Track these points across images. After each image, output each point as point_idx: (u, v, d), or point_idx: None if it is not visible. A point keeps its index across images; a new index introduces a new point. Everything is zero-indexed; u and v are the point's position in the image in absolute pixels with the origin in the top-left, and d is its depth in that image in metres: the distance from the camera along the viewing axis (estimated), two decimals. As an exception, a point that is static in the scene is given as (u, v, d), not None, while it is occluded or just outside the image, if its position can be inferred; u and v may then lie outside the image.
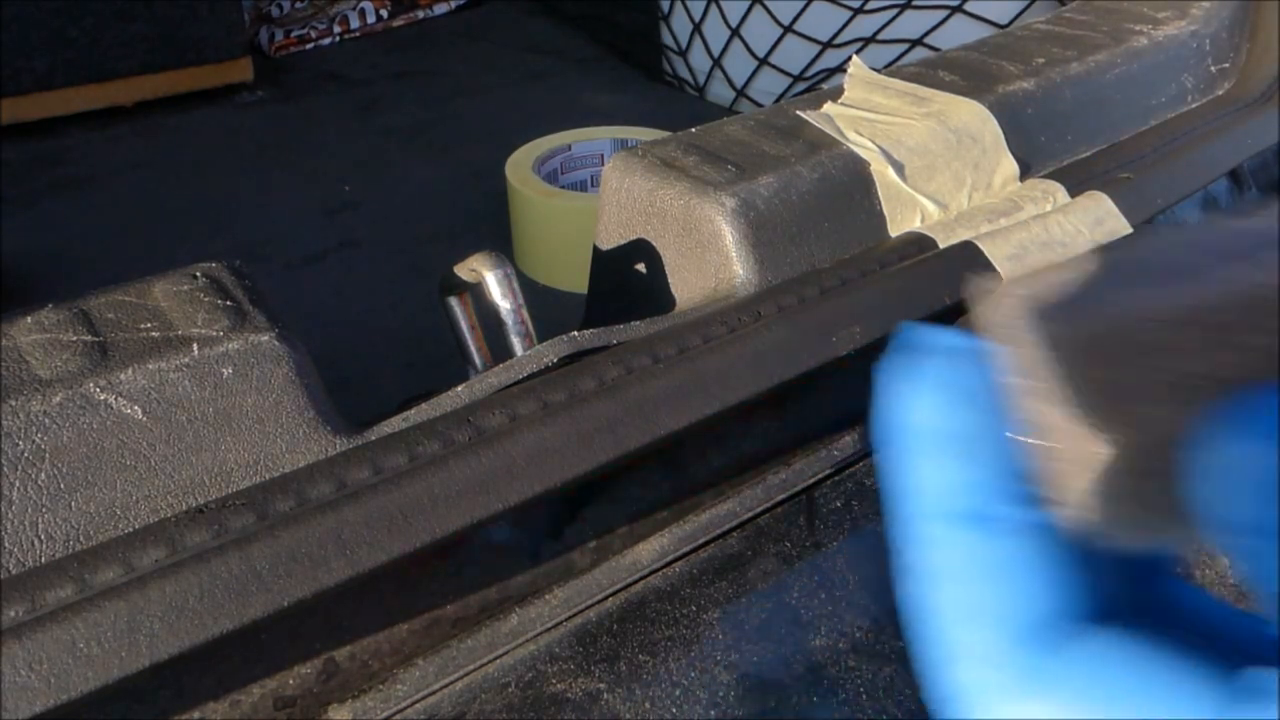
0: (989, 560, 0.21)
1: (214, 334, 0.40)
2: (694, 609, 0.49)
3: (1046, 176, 0.64)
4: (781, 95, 1.63)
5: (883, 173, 0.57)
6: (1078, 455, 0.21)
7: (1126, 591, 0.22)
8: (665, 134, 0.61)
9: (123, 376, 0.38)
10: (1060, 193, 0.61)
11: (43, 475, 0.36)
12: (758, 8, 1.61)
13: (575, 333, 0.47)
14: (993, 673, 0.20)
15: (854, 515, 0.54)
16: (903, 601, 0.22)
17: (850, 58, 0.68)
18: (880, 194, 0.57)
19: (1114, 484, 0.20)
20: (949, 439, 0.22)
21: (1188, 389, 0.19)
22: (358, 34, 1.38)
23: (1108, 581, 0.21)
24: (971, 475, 0.22)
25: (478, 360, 0.53)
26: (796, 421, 0.56)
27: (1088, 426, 0.20)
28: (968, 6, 1.46)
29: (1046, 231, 0.56)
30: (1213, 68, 0.78)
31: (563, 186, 0.91)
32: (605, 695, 0.45)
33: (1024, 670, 0.20)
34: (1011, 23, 1.41)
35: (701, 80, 1.66)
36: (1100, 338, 0.20)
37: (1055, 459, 0.21)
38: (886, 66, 0.70)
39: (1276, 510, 0.17)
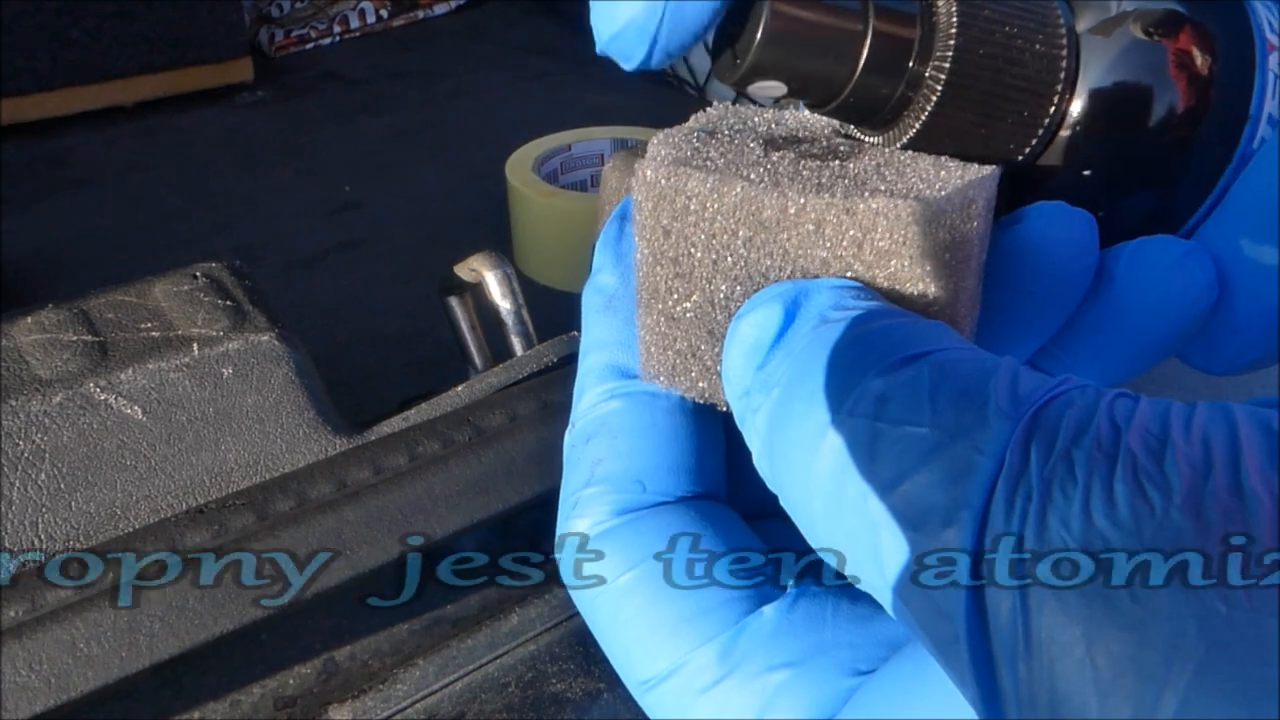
0: (611, 422, 0.21)
1: (214, 334, 0.40)
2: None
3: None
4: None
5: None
6: (651, 320, 0.20)
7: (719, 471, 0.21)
8: (665, 134, 0.61)
9: (123, 376, 0.38)
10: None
11: (43, 475, 0.36)
12: (758, 8, 1.60)
13: (575, 333, 0.47)
14: (575, 528, 0.20)
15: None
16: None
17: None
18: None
19: (673, 341, 0.20)
20: (617, 300, 0.22)
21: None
22: (358, 34, 1.38)
23: (710, 457, 0.21)
24: (622, 333, 0.21)
25: (478, 360, 0.53)
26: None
27: (664, 288, 0.20)
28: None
29: None
30: None
31: (563, 186, 0.91)
32: (605, 695, 0.45)
33: (609, 534, 0.20)
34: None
35: (701, 80, 1.66)
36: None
37: (640, 325, 0.21)
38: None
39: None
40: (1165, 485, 0.13)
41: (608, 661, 0.50)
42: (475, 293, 0.51)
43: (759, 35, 0.19)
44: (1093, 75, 0.21)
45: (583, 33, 1.24)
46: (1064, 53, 0.20)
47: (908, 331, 0.17)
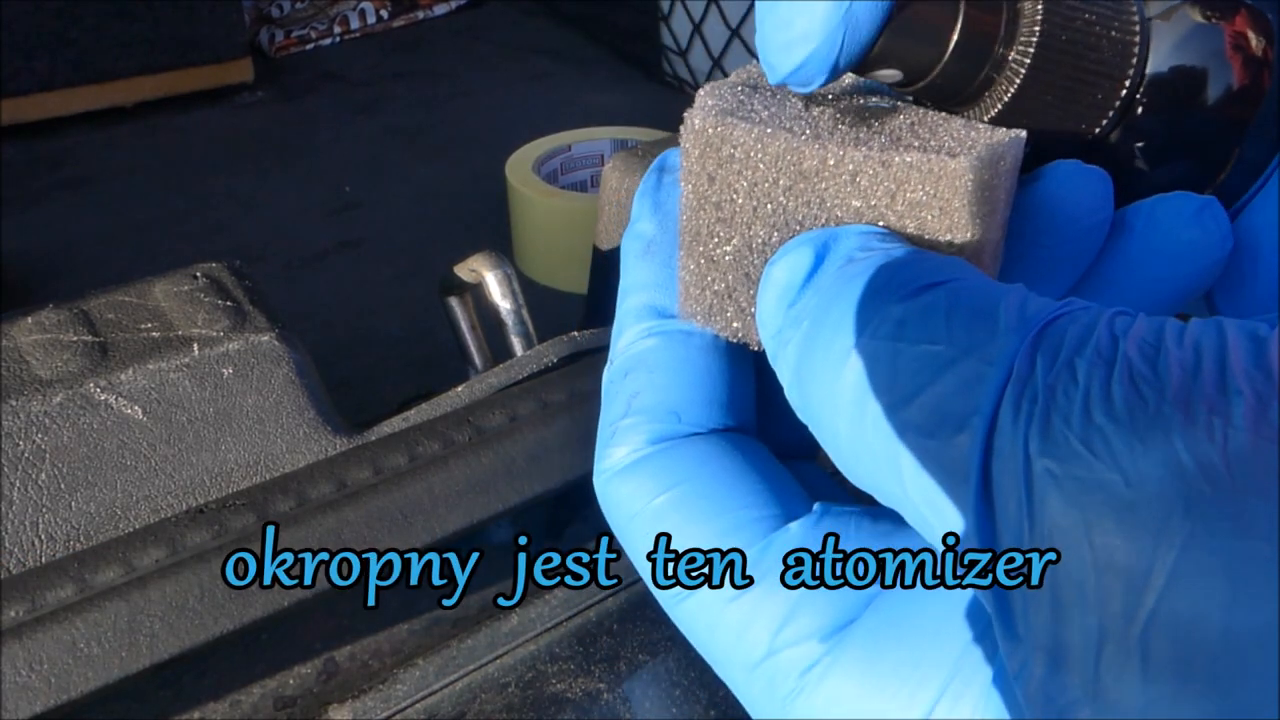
0: (648, 358, 0.22)
1: (214, 334, 0.40)
2: (694, 609, 0.49)
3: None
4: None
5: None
6: (691, 261, 0.21)
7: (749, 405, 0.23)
8: (665, 134, 0.61)
9: (123, 376, 0.38)
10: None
11: (43, 475, 0.36)
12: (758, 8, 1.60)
13: (575, 333, 0.47)
14: (612, 460, 0.21)
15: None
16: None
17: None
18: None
19: (710, 284, 0.21)
20: (655, 246, 0.23)
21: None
22: (358, 34, 1.38)
23: (742, 393, 0.22)
24: (660, 276, 0.22)
25: (478, 360, 0.53)
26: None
27: (709, 233, 0.21)
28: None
29: None
30: None
31: (563, 187, 0.91)
32: (605, 695, 0.45)
33: (638, 465, 0.20)
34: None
35: (701, 80, 1.66)
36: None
37: (681, 267, 0.22)
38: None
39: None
40: (1158, 384, 0.14)
41: (607, 661, 0.50)
42: (475, 293, 0.51)
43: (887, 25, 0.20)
44: (1154, 59, 0.22)
45: (583, 33, 1.24)
46: (1136, 39, 0.22)
47: (927, 265, 0.18)
